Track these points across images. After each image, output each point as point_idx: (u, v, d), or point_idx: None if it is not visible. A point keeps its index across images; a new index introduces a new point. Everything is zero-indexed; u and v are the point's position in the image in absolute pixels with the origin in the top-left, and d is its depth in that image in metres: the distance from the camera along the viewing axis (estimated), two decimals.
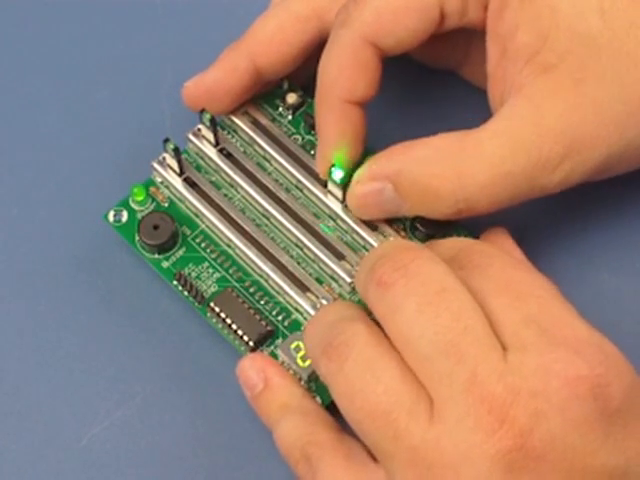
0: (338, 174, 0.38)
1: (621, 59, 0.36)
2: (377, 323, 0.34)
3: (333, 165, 0.38)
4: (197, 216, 0.41)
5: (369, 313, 0.34)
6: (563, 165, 0.36)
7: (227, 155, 0.41)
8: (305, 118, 0.42)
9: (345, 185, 0.39)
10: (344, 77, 0.38)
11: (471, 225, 0.40)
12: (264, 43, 0.40)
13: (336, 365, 0.33)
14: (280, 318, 0.39)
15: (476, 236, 0.40)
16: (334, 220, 0.40)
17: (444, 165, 0.36)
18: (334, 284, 0.39)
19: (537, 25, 0.36)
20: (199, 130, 0.41)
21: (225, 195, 0.41)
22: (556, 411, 0.30)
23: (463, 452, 0.31)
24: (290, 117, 0.42)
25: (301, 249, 0.40)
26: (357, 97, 0.38)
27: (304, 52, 0.40)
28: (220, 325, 0.39)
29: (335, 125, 0.38)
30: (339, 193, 0.39)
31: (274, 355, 0.38)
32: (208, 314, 0.39)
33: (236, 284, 0.40)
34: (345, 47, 0.37)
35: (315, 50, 0.40)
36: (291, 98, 0.42)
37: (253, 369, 0.37)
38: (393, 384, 0.32)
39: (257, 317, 0.38)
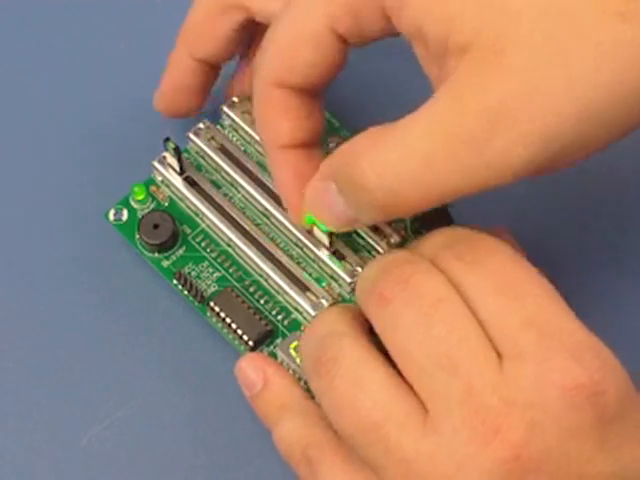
0: None
1: (549, 19, 0.31)
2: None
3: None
4: (197, 215, 0.41)
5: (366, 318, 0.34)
6: (494, 143, 0.31)
7: (228, 155, 0.41)
8: None
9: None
10: (267, 124, 0.37)
11: (471, 225, 0.40)
12: (194, 35, 0.41)
13: (325, 381, 0.33)
14: (280, 318, 0.39)
15: None
16: None
17: (367, 158, 0.33)
18: (334, 284, 0.39)
19: (438, 11, 0.33)
20: (199, 129, 0.41)
21: (225, 194, 0.41)
22: (552, 421, 0.30)
23: (457, 464, 0.30)
24: None
25: (301, 249, 0.40)
26: (288, 141, 0.37)
27: (237, 34, 0.41)
28: (220, 325, 0.39)
29: (278, 173, 0.38)
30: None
31: (274, 355, 0.38)
32: (208, 313, 0.39)
33: (236, 284, 0.40)
34: (259, 95, 0.37)
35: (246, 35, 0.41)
36: None
37: (252, 368, 0.37)
38: (383, 398, 0.32)
39: (257, 317, 0.38)
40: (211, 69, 0.42)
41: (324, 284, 0.39)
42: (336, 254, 0.39)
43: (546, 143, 0.31)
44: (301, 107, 0.37)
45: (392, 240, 0.39)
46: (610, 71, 0.31)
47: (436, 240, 0.35)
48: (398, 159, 0.32)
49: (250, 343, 0.38)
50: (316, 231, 0.38)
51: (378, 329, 0.33)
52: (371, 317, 0.33)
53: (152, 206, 0.41)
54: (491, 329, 0.32)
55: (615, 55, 0.31)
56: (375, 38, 0.36)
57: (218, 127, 0.42)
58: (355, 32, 0.35)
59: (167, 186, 0.41)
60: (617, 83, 0.31)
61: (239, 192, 0.41)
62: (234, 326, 0.38)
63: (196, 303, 0.39)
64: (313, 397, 0.37)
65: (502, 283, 0.32)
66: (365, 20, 0.35)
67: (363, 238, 0.39)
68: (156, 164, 0.41)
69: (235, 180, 0.41)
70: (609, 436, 0.31)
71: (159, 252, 0.40)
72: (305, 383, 0.37)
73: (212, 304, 0.39)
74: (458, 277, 0.33)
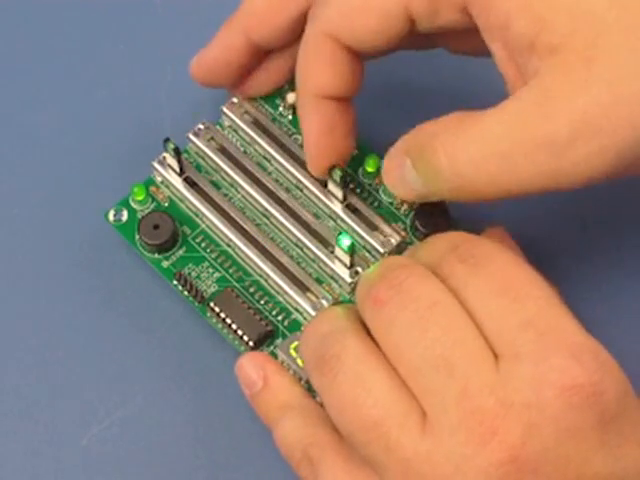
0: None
1: (636, 34, 0.32)
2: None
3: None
4: (197, 216, 0.41)
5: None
6: (573, 151, 0.32)
7: (227, 155, 0.41)
8: None
9: (345, 186, 0.39)
10: (310, 71, 0.38)
11: (470, 224, 0.40)
12: (256, 17, 0.40)
13: (328, 379, 0.33)
14: (280, 318, 0.39)
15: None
16: (334, 220, 0.40)
17: (444, 142, 0.34)
18: (334, 284, 0.39)
19: (530, 9, 0.34)
20: (199, 130, 0.41)
21: (225, 195, 0.41)
22: (550, 422, 0.30)
23: (455, 465, 0.30)
24: (290, 117, 0.42)
25: (301, 249, 0.40)
26: (327, 91, 0.38)
27: (296, 24, 0.40)
28: (220, 325, 0.39)
29: (309, 119, 0.38)
30: (339, 193, 0.39)
31: (274, 355, 0.38)
32: (208, 314, 0.39)
33: (236, 284, 0.40)
34: (309, 42, 0.38)
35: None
36: (291, 98, 0.42)
37: (252, 367, 0.37)
38: (384, 397, 0.32)
39: (257, 317, 0.38)
40: (260, 54, 0.41)
41: (324, 284, 0.39)
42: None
43: (622, 155, 0.33)
44: (346, 63, 0.38)
45: (392, 240, 0.39)
46: None
47: (437, 244, 0.35)
48: (476, 153, 0.34)
49: (250, 344, 0.38)
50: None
51: (373, 331, 0.33)
52: (367, 320, 0.33)
53: (152, 207, 0.41)
54: (489, 330, 0.32)
55: None
56: (443, 29, 0.36)
57: (218, 128, 0.42)
58: (426, 17, 0.36)
59: (167, 187, 0.41)
60: None
61: (239, 192, 0.41)
62: (234, 326, 0.38)
63: (196, 303, 0.39)
64: (314, 396, 0.37)
65: (502, 285, 0.32)
66: (441, 7, 0.36)
67: (363, 238, 0.39)
68: (156, 165, 0.41)
69: (235, 180, 0.41)
70: (609, 436, 0.31)
71: (159, 253, 0.40)
72: (306, 383, 0.37)
73: (212, 304, 0.39)
74: (459, 280, 0.33)
